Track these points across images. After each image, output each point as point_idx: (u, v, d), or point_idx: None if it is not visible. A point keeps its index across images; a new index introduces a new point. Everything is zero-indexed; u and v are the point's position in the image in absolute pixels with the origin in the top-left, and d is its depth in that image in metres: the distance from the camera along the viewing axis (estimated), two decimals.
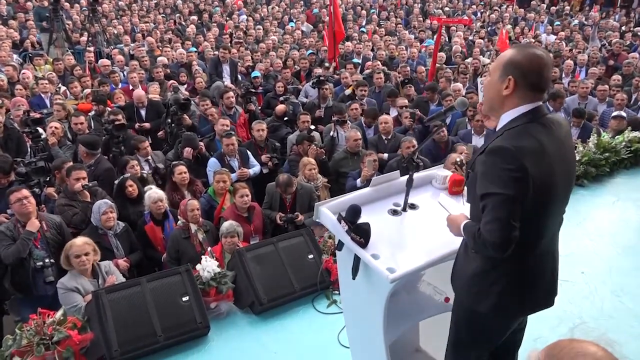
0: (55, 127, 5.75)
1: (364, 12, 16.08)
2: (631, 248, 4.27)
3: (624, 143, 5.71)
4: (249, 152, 5.89)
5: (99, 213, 4.23)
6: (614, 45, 10.36)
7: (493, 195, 1.84)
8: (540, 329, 2.78)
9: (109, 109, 6.54)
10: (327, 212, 2.44)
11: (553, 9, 17.03)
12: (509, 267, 1.98)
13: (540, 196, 1.87)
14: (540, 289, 2.07)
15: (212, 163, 5.70)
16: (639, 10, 16.86)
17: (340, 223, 2.33)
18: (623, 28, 13.49)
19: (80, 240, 3.70)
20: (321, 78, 7.27)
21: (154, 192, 4.67)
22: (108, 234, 4.26)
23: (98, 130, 6.22)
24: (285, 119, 6.95)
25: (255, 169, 5.83)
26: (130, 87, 7.74)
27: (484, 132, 5.94)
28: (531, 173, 1.82)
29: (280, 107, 6.97)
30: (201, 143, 5.93)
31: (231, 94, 7.13)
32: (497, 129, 2.03)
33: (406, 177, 2.54)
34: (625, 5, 17.57)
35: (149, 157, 5.77)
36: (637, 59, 9.39)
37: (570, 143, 2.03)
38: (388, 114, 6.78)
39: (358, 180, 5.16)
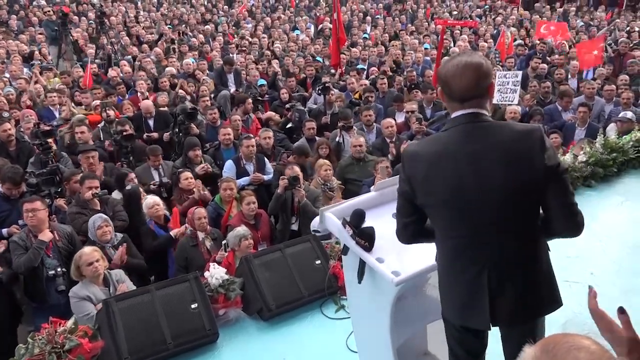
0: (82, 132, 5.88)
1: (368, 18, 16.16)
2: (639, 248, 4.24)
3: (631, 143, 5.67)
4: (266, 159, 5.93)
5: (94, 228, 4.23)
6: (620, 45, 10.30)
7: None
8: (548, 332, 2.77)
9: (117, 120, 6.63)
10: (332, 216, 2.47)
11: (559, 10, 16.99)
12: (444, 274, 2.10)
13: (430, 197, 1.97)
14: (472, 301, 1.99)
15: (229, 166, 5.76)
16: None
17: (345, 227, 2.35)
18: (628, 28, 13.40)
19: (88, 249, 3.76)
20: (326, 85, 7.32)
21: (149, 198, 4.80)
22: (106, 247, 4.23)
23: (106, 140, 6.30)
24: (290, 126, 7.01)
25: (269, 175, 5.85)
26: (139, 95, 7.84)
27: None
28: (415, 177, 1.98)
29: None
30: (206, 156, 5.98)
31: (250, 100, 7.23)
32: None
33: None
34: (632, 4, 17.49)
35: (159, 168, 5.84)
36: None
37: (504, 153, 1.88)
38: (394, 118, 6.79)
39: (372, 188, 5.14)
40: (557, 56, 10.13)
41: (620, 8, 16.84)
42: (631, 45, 10.71)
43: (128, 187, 5.00)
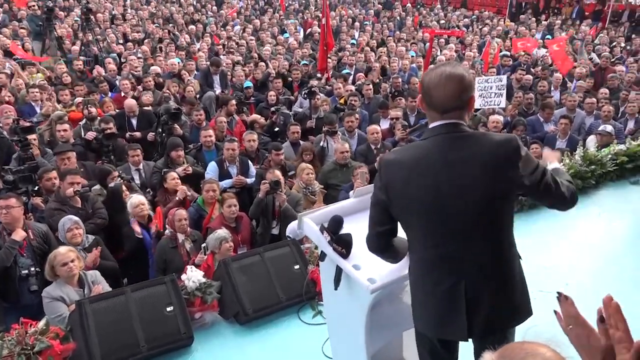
0: (64, 130, 5.77)
1: (357, 23, 16.23)
2: (615, 259, 4.30)
3: (610, 156, 5.76)
4: (250, 162, 5.90)
5: (63, 230, 4.12)
6: (601, 59, 10.50)
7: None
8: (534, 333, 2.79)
9: (100, 117, 6.54)
10: (310, 222, 2.46)
11: (544, 23, 17.26)
12: (412, 284, 2.12)
13: (405, 205, 1.99)
14: (450, 313, 1.99)
15: (212, 167, 5.73)
16: (626, 25, 17.12)
17: (323, 234, 2.35)
18: (614, 43, 13.68)
19: (64, 249, 3.69)
20: (312, 89, 7.32)
21: (134, 197, 4.72)
22: (76, 249, 4.13)
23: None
24: (277, 130, 7.00)
25: (253, 179, 5.80)
26: (122, 94, 7.76)
27: None
28: (390, 184, 1.99)
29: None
30: (188, 157, 5.94)
31: (234, 101, 7.20)
32: None
33: None
34: (615, 20, 17.85)
35: (140, 167, 5.78)
36: (623, 73, 9.51)
37: (481, 164, 1.90)
38: (379, 125, 6.82)
39: (351, 193, 5.15)
40: (539, 69, 10.29)
41: (604, 24, 17.17)
42: (612, 59, 10.92)
43: (111, 185, 4.93)
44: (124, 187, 4.95)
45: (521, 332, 2.04)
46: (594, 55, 11.95)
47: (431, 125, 2.01)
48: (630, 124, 7.31)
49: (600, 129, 6.57)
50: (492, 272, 1.99)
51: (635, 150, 5.96)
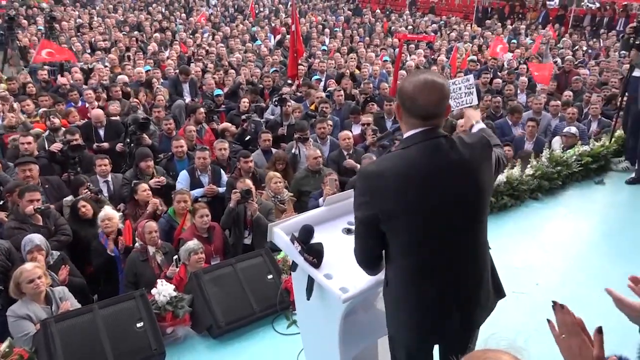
0: (28, 143, 5.58)
1: (327, 30, 16.31)
2: (582, 259, 4.40)
3: (575, 157, 5.92)
4: (222, 171, 5.82)
5: (24, 252, 3.96)
6: (565, 62, 10.80)
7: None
8: (493, 340, 2.82)
9: (65, 129, 6.37)
10: (280, 232, 2.44)
11: (510, 27, 17.69)
12: (399, 290, 2.04)
13: (401, 216, 1.90)
14: (441, 317, 2.01)
15: (183, 177, 5.64)
16: (588, 29, 17.69)
17: (294, 244, 2.32)
18: (576, 47, 14.11)
19: (30, 265, 3.57)
20: (283, 96, 7.29)
21: (102, 212, 4.58)
22: None
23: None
24: (248, 138, 6.95)
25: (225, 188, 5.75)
26: (87, 105, 7.58)
27: None
28: (379, 197, 1.89)
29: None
30: (158, 167, 5.84)
31: (202, 109, 7.13)
32: None
33: None
34: (576, 24, 18.42)
35: (108, 179, 5.64)
36: (586, 75, 9.81)
37: (468, 165, 1.95)
38: (350, 131, 6.84)
39: (320, 200, 5.16)
40: (505, 72, 10.52)
41: (566, 28, 17.69)
42: (576, 63, 11.25)
43: (66, 199, 4.81)
44: (83, 202, 4.79)
45: (482, 340, 2.08)
46: (558, 59, 12.29)
47: (410, 133, 1.96)
48: (594, 126, 7.53)
49: (565, 130, 6.74)
50: (475, 274, 2.04)
51: (598, 150, 6.14)
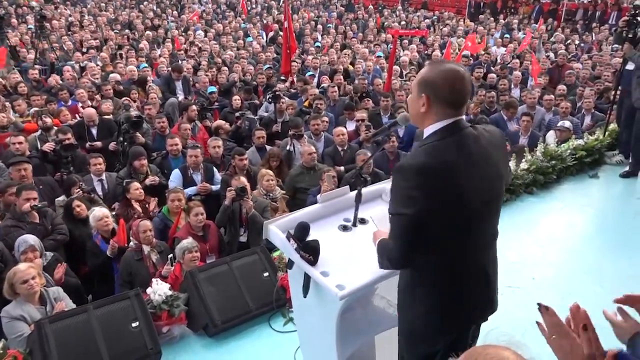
0: (19, 142, 5.53)
1: (319, 26, 16.26)
2: (577, 253, 4.42)
3: (569, 151, 5.93)
4: (214, 168, 5.79)
5: (18, 252, 3.93)
6: (558, 57, 10.82)
7: (396, 216, 1.86)
8: (492, 335, 2.82)
9: (57, 128, 6.31)
10: (276, 230, 2.42)
11: (502, 22, 17.70)
12: (433, 285, 1.99)
13: (453, 213, 1.84)
14: (470, 305, 2.03)
15: (175, 175, 5.61)
16: (580, 23, 17.73)
17: (290, 241, 2.30)
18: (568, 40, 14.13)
19: (23, 266, 3.54)
20: (277, 93, 7.27)
21: (97, 211, 4.55)
22: None
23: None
24: (242, 135, 6.92)
25: (219, 186, 5.70)
26: (80, 105, 7.52)
27: None
28: (433, 191, 1.80)
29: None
30: (152, 166, 5.81)
31: (194, 107, 7.10)
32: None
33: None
34: (569, 18, 18.46)
35: (102, 178, 5.60)
36: (579, 69, 9.83)
37: (493, 158, 1.95)
38: (345, 127, 6.83)
39: (318, 197, 5.12)
40: (498, 67, 10.53)
41: (559, 22, 17.73)
42: (569, 57, 11.28)
43: (59, 199, 4.77)
44: (78, 202, 4.76)
45: (481, 336, 2.08)
46: (550, 53, 12.31)
47: (442, 124, 1.89)
48: (587, 119, 7.55)
49: (559, 124, 6.75)
50: (494, 264, 2.09)
51: (592, 144, 6.16)
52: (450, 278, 1.98)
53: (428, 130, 1.94)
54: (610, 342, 1.36)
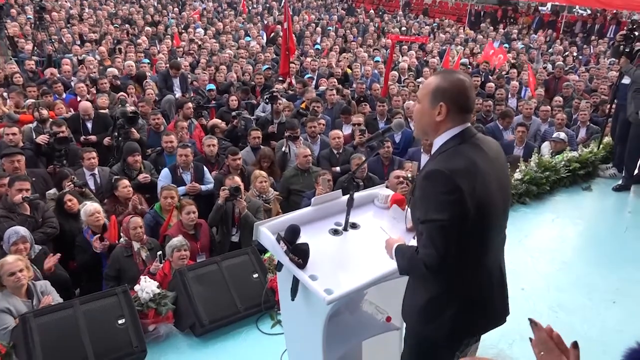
0: (13, 134, 5.49)
1: (319, 29, 16.27)
2: (568, 264, 4.42)
3: (563, 162, 5.95)
4: (205, 168, 5.76)
5: (8, 243, 3.89)
6: (555, 68, 10.87)
7: (430, 222, 1.86)
8: (481, 347, 2.81)
9: (52, 120, 6.27)
10: (267, 232, 2.41)
11: (502, 31, 17.78)
12: (458, 289, 1.99)
13: (480, 215, 1.88)
14: (491, 307, 2.09)
15: (164, 174, 5.56)
16: (580, 36, 17.83)
17: (279, 243, 2.29)
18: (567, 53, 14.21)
19: (11, 258, 3.50)
20: (274, 94, 7.26)
21: (89, 205, 4.52)
22: None
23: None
24: (237, 134, 6.90)
25: (209, 185, 5.68)
26: (78, 99, 7.48)
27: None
28: (467, 194, 1.83)
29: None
30: (146, 162, 5.77)
31: (190, 104, 7.07)
32: (431, 153, 2.06)
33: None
34: (568, 30, 18.57)
35: (95, 172, 5.57)
36: (576, 81, 9.88)
37: (502, 161, 2.08)
38: (341, 130, 6.82)
39: (313, 199, 5.11)
40: (495, 77, 10.56)
41: (558, 34, 17.83)
42: (566, 68, 11.33)
43: (49, 192, 4.73)
44: (70, 197, 4.72)
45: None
46: (548, 64, 12.38)
47: (459, 128, 1.96)
48: (582, 132, 7.58)
49: (554, 136, 6.78)
50: (502, 268, 2.16)
51: (586, 157, 6.18)
52: (473, 281, 2.01)
53: (445, 136, 1.98)
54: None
